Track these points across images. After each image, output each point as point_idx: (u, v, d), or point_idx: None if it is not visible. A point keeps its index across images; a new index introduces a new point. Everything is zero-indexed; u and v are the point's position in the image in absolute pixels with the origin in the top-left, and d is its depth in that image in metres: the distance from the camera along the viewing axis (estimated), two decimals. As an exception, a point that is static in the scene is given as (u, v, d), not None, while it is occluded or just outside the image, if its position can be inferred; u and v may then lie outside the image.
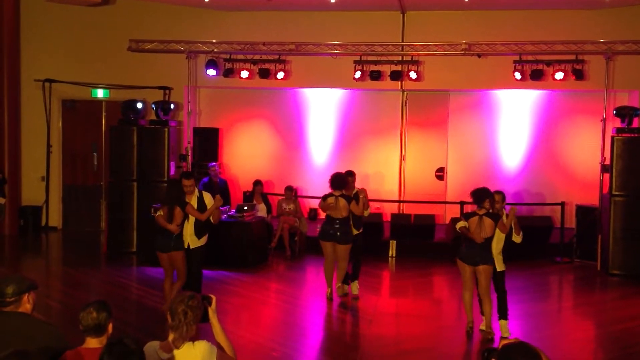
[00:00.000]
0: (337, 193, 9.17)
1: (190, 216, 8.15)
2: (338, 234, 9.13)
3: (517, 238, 7.83)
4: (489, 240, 7.62)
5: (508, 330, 7.76)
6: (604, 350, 7.98)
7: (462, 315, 9.57)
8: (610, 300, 10.25)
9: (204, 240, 8.40)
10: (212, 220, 8.34)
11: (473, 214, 7.70)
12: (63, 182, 14.59)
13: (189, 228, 8.19)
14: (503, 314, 7.83)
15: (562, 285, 11.28)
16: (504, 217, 7.79)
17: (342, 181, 9.21)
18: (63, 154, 14.55)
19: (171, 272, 8.23)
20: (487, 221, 7.56)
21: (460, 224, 7.75)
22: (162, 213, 8.10)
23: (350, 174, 9.55)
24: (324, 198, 9.25)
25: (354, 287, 9.61)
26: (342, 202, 9.12)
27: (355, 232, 9.43)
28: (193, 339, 3.95)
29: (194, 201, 8.20)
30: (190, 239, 8.22)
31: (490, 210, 7.64)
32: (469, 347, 7.67)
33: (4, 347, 3.49)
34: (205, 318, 4.16)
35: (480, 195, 7.69)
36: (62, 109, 14.49)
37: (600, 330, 8.73)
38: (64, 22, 14.27)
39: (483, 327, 7.86)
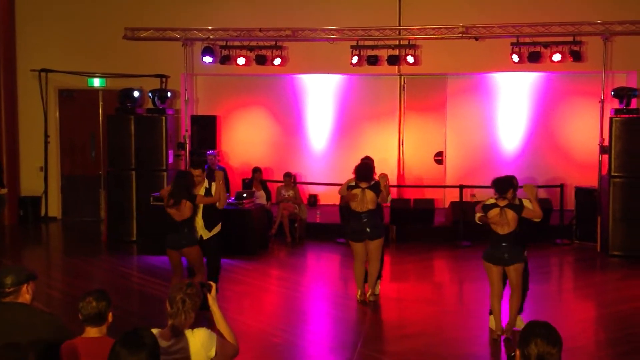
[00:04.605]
0: (363, 185, 8.37)
1: (198, 208, 7.92)
2: (368, 229, 8.34)
3: (537, 218, 7.19)
4: (513, 234, 7.03)
5: (523, 323, 7.33)
6: (606, 331, 8.00)
7: (464, 299, 9.63)
8: (610, 281, 10.28)
9: (216, 229, 8.17)
10: (218, 205, 8.05)
11: (494, 205, 7.06)
12: (62, 172, 14.56)
13: (198, 220, 7.98)
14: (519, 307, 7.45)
15: (562, 267, 11.30)
16: (527, 203, 7.17)
17: (369, 172, 8.45)
18: (61, 144, 14.52)
19: (180, 271, 7.88)
20: (510, 214, 6.97)
21: (478, 215, 7.16)
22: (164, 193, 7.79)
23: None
24: (349, 187, 8.46)
25: (377, 286, 8.90)
26: (370, 194, 8.32)
27: None
28: (192, 326, 3.95)
29: (201, 192, 8.01)
30: (202, 231, 8.03)
31: (515, 201, 7.08)
32: (470, 332, 7.68)
33: (3, 338, 3.49)
34: (205, 306, 4.15)
35: (504, 184, 7.06)
36: (59, 99, 14.45)
37: (601, 311, 8.74)
38: (59, 12, 14.18)
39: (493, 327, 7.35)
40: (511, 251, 7.07)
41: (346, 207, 11.79)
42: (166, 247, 7.79)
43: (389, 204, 9.06)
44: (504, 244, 7.05)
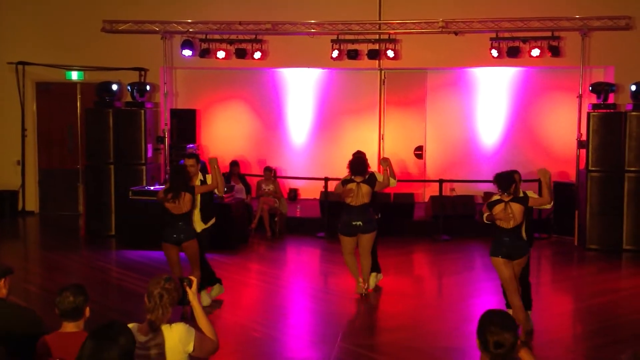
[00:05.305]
0: (358, 179, 8.42)
1: (196, 201, 7.89)
2: (360, 223, 8.39)
3: (547, 205, 7.20)
4: (519, 228, 6.99)
5: (531, 321, 7.32)
6: (583, 323, 8.10)
7: (443, 293, 9.69)
8: (587, 274, 10.38)
9: (210, 223, 8.20)
10: (217, 192, 8.06)
11: (498, 201, 6.97)
12: (39, 166, 14.42)
13: (196, 213, 7.98)
14: (527, 304, 7.32)
15: (540, 261, 11.37)
16: (531, 194, 7.11)
17: (363, 166, 8.47)
18: (38, 137, 14.37)
19: (178, 266, 7.71)
20: (516, 207, 6.90)
21: (485, 214, 7.06)
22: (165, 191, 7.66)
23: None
24: (343, 182, 8.45)
25: (373, 280, 8.94)
26: (365, 188, 8.38)
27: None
28: (171, 321, 3.92)
29: (197, 184, 7.98)
30: (197, 224, 8.01)
31: (519, 194, 6.99)
32: (449, 325, 7.72)
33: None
34: (185, 300, 4.11)
35: (506, 181, 6.98)
36: (36, 92, 14.29)
37: (578, 304, 8.84)
38: (36, 4, 14.02)
39: None
40: (515, 246, 6.98)
41: (328, 202, 11.84)
42: (164, 242, 7.67)
43: (396, 187, 9.05)
44: (505, 239, 6.98)
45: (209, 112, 14.77)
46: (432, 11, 13.05)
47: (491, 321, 3.28)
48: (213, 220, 8.30)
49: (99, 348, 3.08)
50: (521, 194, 7.11)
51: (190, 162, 8.01)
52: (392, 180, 8.64)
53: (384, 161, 8.62)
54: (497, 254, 7.00)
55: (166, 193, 7.59)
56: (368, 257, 8.62)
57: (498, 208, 6.96)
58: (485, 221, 7.14)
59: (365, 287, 8.64)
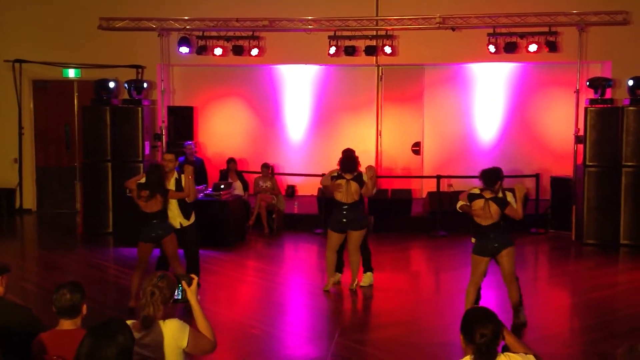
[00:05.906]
0: (347, 176, 8.44)
1: (168, 201, 7.89)
2: (350, 220, 8.43)
3: (517, 218, 7.08)
4: (498, 224, 6.98)
5: (525, 318, 7.33)
6: (580, 318, 8.12)
7: (440, 289, 9.71)
8: (584, 269, 10.39)
9: (193, 218, 8.24)
10: (187, 199, 8.08)
11: (479, 195, 6.96)
12: (36, 164, 14.41)
13: (174, 209, 8.01)
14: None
15: (537, 256, 11.41)
16: (510, 198, 7.02)
17: (353, 164, 8.51)
18: (35, 135, 14.36)
19: (146, 265, 7.79)
20: (493, 207, 6.89)
21: (460, 203, 7.08)
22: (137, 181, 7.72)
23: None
24: (332, 177, 8.51)
25: (368, 278, 8.92)
26: (355, 185, 8.40)
27: None
28: (164, 317, 3.92)
29: (172, 185, 8.01)
30: (180, 219, 8.06)
31: (499, 195, 6.94)
32: (446, 320, 7.73)
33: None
34: (184, 298, 4.09)
35: (492, 176, 6.98)
36: (33, 90, 14.27)
37: (575, 299, 8.86)
38: (33, 2, 13.99)
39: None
40: (501, 238, 7.01)
41: (325, 198, 11.84)
42: (140, 240, 7.71)
43: (372, 194, 9.02)
44: (491, 235, 6.99)
45: (206, 109, 14.76)
46: (429, 7, 13.05)
47: (475, 314, 3.59)
48: (193, 215, 8.28)
49: (97, 346, 3.07)
50: (501, 195, 7.01)
51: (169, 157, 8.11)
52: (373, 189, 8.69)
53: (369, 169, 8.58)
54: (481, 253, 7.04)
55: (140, 188, 7.63)
56: (357, 253, 8.66)
57: (477, 204, 6.95)
58: (458, 209, 7.16)
59: (355, 284, 8.66)
